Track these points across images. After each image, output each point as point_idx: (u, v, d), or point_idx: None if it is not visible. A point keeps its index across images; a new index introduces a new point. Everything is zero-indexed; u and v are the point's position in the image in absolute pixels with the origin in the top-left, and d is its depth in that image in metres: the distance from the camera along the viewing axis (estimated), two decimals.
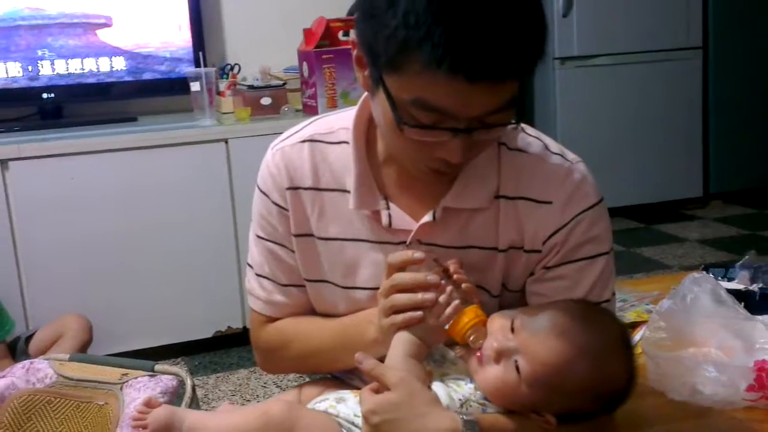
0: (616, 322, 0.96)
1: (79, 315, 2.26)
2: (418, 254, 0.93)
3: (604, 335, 0.91)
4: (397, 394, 0.87)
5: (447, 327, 0.92)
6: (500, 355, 0.90)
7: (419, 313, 0.92)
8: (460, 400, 0.91)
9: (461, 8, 0.79)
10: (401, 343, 0.93)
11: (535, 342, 0.90)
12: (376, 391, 0.89)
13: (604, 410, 0.92)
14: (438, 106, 0.84)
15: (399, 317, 0.93)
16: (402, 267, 0.94)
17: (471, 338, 0.91)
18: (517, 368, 0.89)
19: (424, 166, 0.93)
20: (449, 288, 0.92)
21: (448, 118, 0.85)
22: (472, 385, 0.92)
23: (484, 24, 0.79)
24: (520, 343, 0.90)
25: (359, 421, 0.94)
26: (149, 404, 0.99)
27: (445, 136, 0.86)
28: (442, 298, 0.91)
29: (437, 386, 0.92)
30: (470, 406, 0.91)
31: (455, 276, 0.93)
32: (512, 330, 0.92)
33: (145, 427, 0.97)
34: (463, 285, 0.93)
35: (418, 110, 0.85)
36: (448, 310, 0.91)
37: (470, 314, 0.91)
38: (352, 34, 0.93)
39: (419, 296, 0.92)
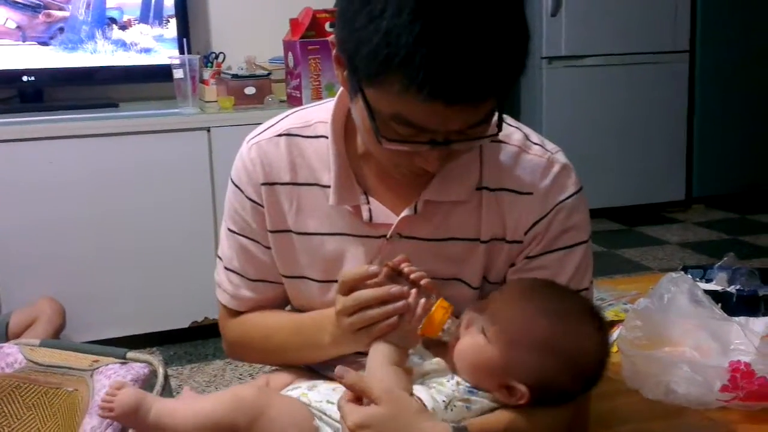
0: (584, 299, 0.97)
1: (53, 299, 2.23)
2: (373, 268, 0.93)
3: (569, 301, 0.93)
4: (385, 408, 0.86)
5: (420, 327, 0.92)
6: (469, 325, 0.92)
7: (393, 319, 0.92)
8: (444, 401, 0.90)
9: (444, 30, 0.78)
10: (379, 352, 0.92)
11: (501, 307, 0.92)
12: (358, 402, 0.88)
13: (577, 385, 0.91)
14: (417, 123, 0.83)
15: (375, 329, 0.93)
16: (355, 284, 0.94)
17: (446, 330, 0.92)
18: (484, 332, 0.91)
19: (405, 169, 0.93)
20: (413, 290, 0.93)
21: (424, 131, 0.85)
22: (454, 381, 0.92)
23: (465, 47, 0.78)
24: (488, 313, 0.92)
25: (331, 408, 0.94)
26: (118, 386, 0.97)
27: (424, 147, 0.86)
28: (411, 302, 0.92)
29: (419, 389, 0.91)
30: (455, 406, 0.90)
31: (412, 276, 0.93)
32: (483, 310, 0.94)
33: (111, 410, 0.96)
34: (423, 282, 0.93)
35: (397, 124, 0.85)
36: (418, 311, 0.92)
37: (439, 309, 0.92)
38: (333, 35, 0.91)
39: (390, 307, 0.92)
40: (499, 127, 0.89)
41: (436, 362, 0.96)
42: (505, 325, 0.90)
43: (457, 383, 0.92)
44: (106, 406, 0.96)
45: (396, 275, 0.94)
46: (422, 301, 0.92)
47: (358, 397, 0.88)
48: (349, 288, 0.94)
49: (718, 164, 4.15)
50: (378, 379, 0.89)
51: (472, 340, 0.91)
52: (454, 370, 0.94)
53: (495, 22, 0.80)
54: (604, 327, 0.94)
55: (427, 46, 0.77)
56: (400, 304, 0.92)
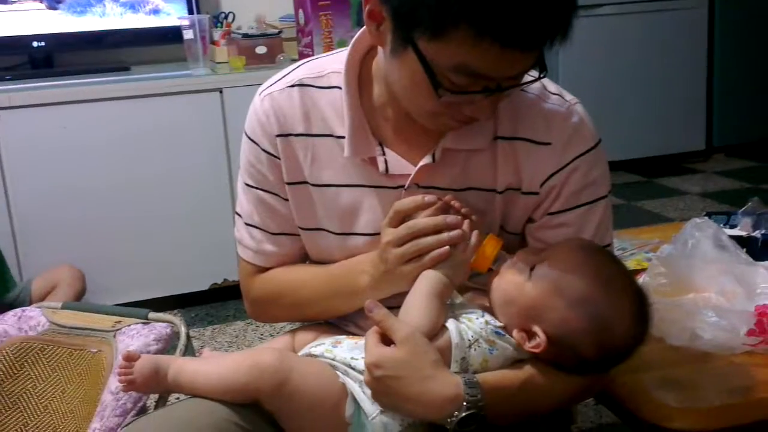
0: (643, 289, 0.95)
1: (71, 266, 2.25)
2: (429, 197, 0.94)
3: (626, 279, 0.92)
4: (403, 352, 0.87)
5: (472, 259, 0.94)
6: (518, 262, 0.93)
7: (446, 248, 0.92)
8: (469, 340, 0.90)
9: None
10: (427, 280, 0.93)
11: (556, 254, 0.92)
12: (382, 340, 0.89)
13: (596, 356, 0.90)
14: (481, 72, 0.84)
15: (426, 258, 0.93)
16: (410, 213, 0.94)
17: (496, 264, 0.94)
18: (530, 271, 0.91)
19: (450, 120, 0.92)
20: (466, 221, 0.94)
21: (483, 79, 0.85)
22: (483, 319, 0.92)
23: None
24: (541, 257, 0.93)
25: (356, 363, 0.94)
26: (129, 358, 0.97)
27: (479, 96, 0.87)
28: (466, 230, 0.93)
29: (449, 322, 0.92)
30: (479, 346, 0.90)
31: (463, 211, 0.94)
32: (537, 253, 0.95)
33: (132, 382, 0.96)
34: (474, 217, 0.94)
35: (457, 74, 0.85)
36: (473, 240, 0.93)
37: (492, 241, 0.94)
38: None
39: (446, 235, 0.92)
40: (542, 67, 0.89)
41: (466, 299, 0.96)
42: (553, 271, 0.90)
43: (486, 322, 0.92)
44: (126, 380, 0.96)
45: (455, 213, 0.95)
46: (476, 232, 0.93)
47: (385, 337, 0.89)
48: (401, 218, 0.95)
49: (738, 113, 4.08)
50: (405, 322, 0.89)
51: (515, 275, 0.92)
52: (485, 308, 0.94)
53: None
54: (646, 321, 0.92)
55: None
56: (455, 232, 0.92)
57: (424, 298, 0.91)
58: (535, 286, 0.90)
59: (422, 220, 0.94)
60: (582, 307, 0.88)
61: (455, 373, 0.89)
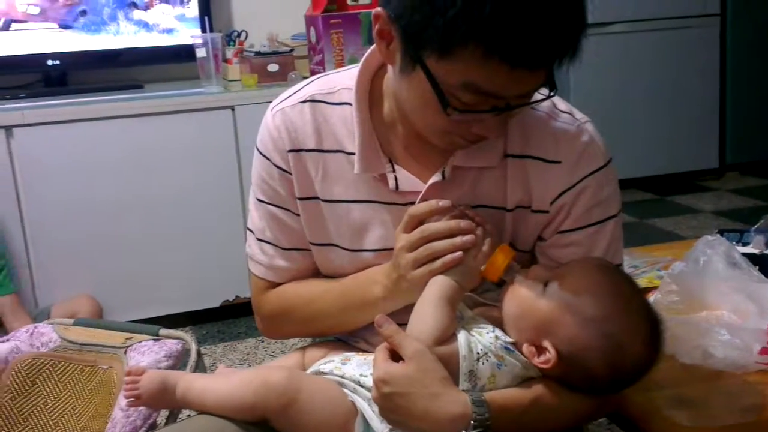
0: (658, 314, 0.94)
1: (91, 297, 2.27)
2: (443, 202, 0.94)
3: (641, 301, 0.92)
4: (411, 368, 0.86)
5: (483, 267, 0.93)
6: (533, 276, 0.92)
7: (459, 253, 0.92)
8: (478, 353, 0.89)
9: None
10: (437, 285, 0.93)
11: (572, 272, 0.92)
12: (391, 355, 0.88)
13: (606, 376, 0.89)
14: (489, 90, 0.84)
15: (437, 262, 0.93)
16: (424, 218, 0.95)
17: (507, 274, 0.93)
18: (545, 286, 0.90)
19: (459, 138, 0.92)
20: (480, 229, 0.94)
21: (492, 98, 0.85)
22: (493, 334, 0.92)
23: (541, 12, 0.80)
24: (557, 273, 0.92)
25: (365, 380, 0.94)
26: (133, 372, 0.98)
27: (488, 114, 0.87)
28: (479, 234, 0.93)
29: (460, 334, 0.91)
30: (487, 359, 0.89)
31: (477, 219, 0.95)
32: (553, 269, 0.95)
33: (138, 397, 0.96)
34: (487, 226, 0.94)
35: (466, 93, 0.85)
36: (485, 248, 0.93)
37: (504, 251, 0.93)
38: (378, 8, 0.90)
39: (458, 239, 0.92)
40: (552, 86, 0.90)
41: (477, 314, 0.96)
42: (569, 288, 0.89)
43: (496, 337, 0.91)
44: (132, 395, 0.96)
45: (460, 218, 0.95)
46: (488, 239, 0.93)
47: (394, 353, 0.89)
48: (415, 223, 0.95)
49: (752, 130, 4.07)
50: (415, 338, 0.89)
51: (530, 289, 0.91)
52: (496, 323, 0.94)
53: None
54: (659, 344, 0.92)
55: (508, 15, 0.78)
56: (468, 237, 0.93)
57: (434, 302, 0.91)
58: (549, 301, 0.90)
59: (435, 224, 0.94)
60: (596, 326, 0.87)
61: (463, 390, 0.88)
